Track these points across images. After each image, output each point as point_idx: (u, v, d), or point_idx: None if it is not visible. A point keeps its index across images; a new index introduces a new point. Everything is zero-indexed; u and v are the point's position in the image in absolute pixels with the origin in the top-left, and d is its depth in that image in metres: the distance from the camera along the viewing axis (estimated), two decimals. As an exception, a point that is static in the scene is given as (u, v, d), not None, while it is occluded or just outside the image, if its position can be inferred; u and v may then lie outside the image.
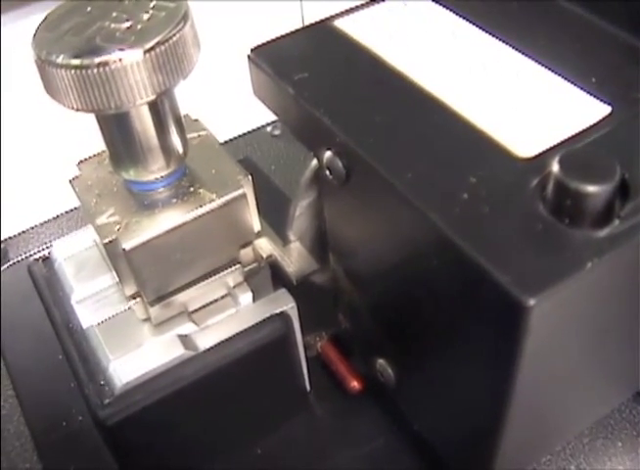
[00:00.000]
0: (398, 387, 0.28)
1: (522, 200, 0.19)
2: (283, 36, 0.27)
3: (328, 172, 0.24)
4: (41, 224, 0.44)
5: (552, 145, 0.21)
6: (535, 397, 0.22)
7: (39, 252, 0.34)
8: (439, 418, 0.26)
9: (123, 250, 0.24)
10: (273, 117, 0.47)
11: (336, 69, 0.25)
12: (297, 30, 0.27)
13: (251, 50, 0.26)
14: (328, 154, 0.23)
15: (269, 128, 0.48)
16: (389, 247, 0.23)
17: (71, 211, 0.44)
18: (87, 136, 0.31)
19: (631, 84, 0.23)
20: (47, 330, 0.35)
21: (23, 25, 0.37)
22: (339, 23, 0.27)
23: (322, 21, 0.27)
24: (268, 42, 0.27)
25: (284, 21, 0.45)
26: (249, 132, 0.48)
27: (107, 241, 0.24)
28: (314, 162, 0.24)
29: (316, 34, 0.27)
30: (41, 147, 0.42)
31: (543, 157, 0.20)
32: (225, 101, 0.32)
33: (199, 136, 0.28)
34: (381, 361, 0.28)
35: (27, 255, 0.39)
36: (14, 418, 0.36)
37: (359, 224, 0.25)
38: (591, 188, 0.18)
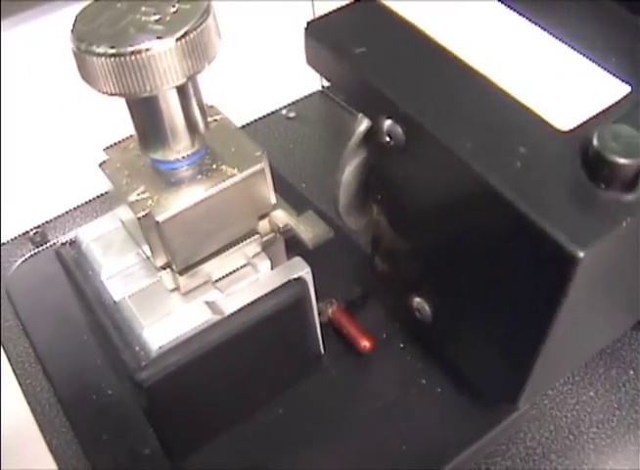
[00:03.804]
0: (435, 322, 0.31)
1: (565, 166, 0.23)
2: (334, 11, 0.30)
3: (388, 138, 0.27)
4: (75, 208, 0.47)
5: (585, 119, 0.24)
6: (569, 329, 0.25)
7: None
8: (474, 348, 0.29)
9: (156, 222, 0.27)
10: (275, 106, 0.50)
11: (390, 44, 0.28)
12: (346, 6, 0.30)
13: (308, 23, 0.29)
14: (388, 122, 0.26)
15: (284, 111, 0.52)
16: (444, 205, 0.26)
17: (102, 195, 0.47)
18: (92, 139, 0.33)
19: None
20: (72, 312, 0.38)
21: (24, 31, 0.40)
22: (384, 0, 0.30)
23: None
24: (321, 17, 0.29)
25: (294, 17, 0.49)
26: (265, 116, 0.52)
27: (141, 215, 0.27)
28: (363, 126, 0.27)
29: (365, 10, 0.29)
30: (57, 142, 0.45)
31: (580, 130, 0.24)
32: (234, 92, 0.35)
33: (215, 120, 0.30)
34: (418, 299, 0.31)
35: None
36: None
37: (414, 184, 0.27)
38: (624, 161, 0.22)
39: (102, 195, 0.47)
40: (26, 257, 0.41)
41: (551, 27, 0.28)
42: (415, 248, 0.30)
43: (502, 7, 0.29)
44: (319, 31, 0.29)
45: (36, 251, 0.41)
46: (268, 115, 0.52)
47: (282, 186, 0.31)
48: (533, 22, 0.28)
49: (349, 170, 0.29)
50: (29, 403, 0.37)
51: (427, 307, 0.31)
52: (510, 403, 0.28)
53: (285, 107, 0.52)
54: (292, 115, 0.52)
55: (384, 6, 0.30)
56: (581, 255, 0.21)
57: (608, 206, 0.22)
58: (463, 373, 0.31)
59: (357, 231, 0.33)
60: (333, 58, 0.28)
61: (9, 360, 0.39)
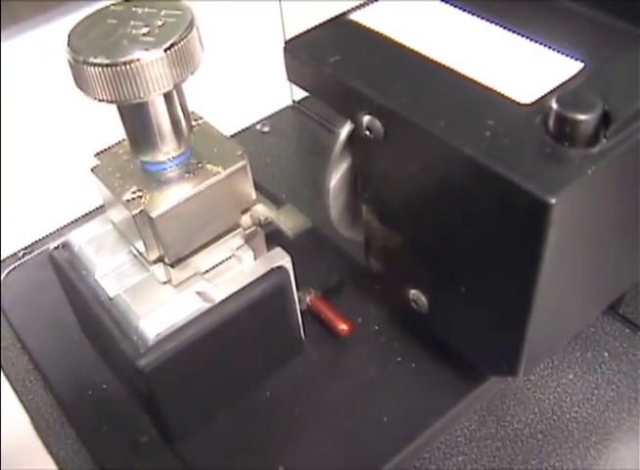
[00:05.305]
0: (431, 310, 0.33)
1: (531, 133, 0.26)
2: (309, 30, 0.32)
3: (368, 132, 0.29)
4: (62, 227, 0.48)
5: (545, 93, 0.27)
6: (555, 288, 0.28)
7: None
8: (471, 326, 0.32)
9: (150, 218, 0.29)
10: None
11: (361, 51, 0.31)
12: (320, 24, 0.33)
13: (286, 42, 0.32)
14: (367, 117, 0.29)
15: (258, 126, 0.55)
16: (426, 185, 0.29)
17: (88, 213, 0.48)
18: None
19: (597, 47, 0.29)
20: (62, 315, 0.40)
21: (23, 41, 0.42)
22: (353, 17, 0.33)
23: (339, 15, 0.33)
24: (298, 36, 0.32)
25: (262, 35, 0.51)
26: (241, 131, 0.54)
27: (136, 212, 0.29)
28: (345, 130, 0.30)
29: (337, 26, 0.33)
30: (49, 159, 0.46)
31: (540, 102, 0.27)
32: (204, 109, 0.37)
33: (197, 124, 0.33)
34: (414, 291, 0.33)
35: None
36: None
37: (397, 172, 0.30)
38: (583, 116, 0.24)
39: (87, 214, 0.48)
40: (14, 265, 0.43)
41: (508, 24, 0.31)
42: (406, 238, 0.32)
43: (462, 13, 0.32)
44: (296, 48, 0.32)
45: (23, 260, 0.43)
46: (243, 130, 0.54)
47: (261, 191, 0.34)
48: (494, 22, 0.31)
49: (337, 177, 0.32)
50: (32, 419, 0.38)
51: (423, 298, 0.33)
52: (511, 375, 0.30)
53: (258, 122, 0.55)
54: (266, 129, 0.54)
55: (353, 22, 0.33)
56: (553, 201, 0.23)
57: (574, 159, 0.24)
58: (462, 353, 0.34)
59: (351, 238, 0.35)
60: (311, 69, 0.31)
61: (8, 379, 0.40)
